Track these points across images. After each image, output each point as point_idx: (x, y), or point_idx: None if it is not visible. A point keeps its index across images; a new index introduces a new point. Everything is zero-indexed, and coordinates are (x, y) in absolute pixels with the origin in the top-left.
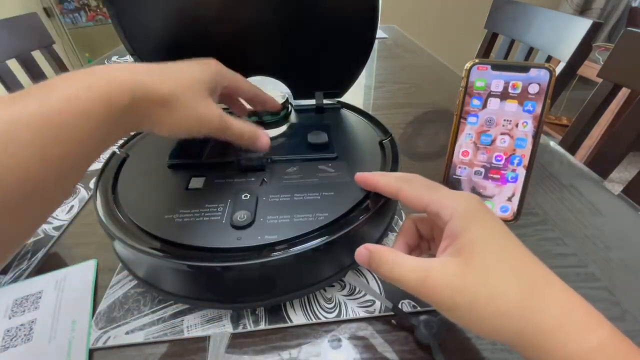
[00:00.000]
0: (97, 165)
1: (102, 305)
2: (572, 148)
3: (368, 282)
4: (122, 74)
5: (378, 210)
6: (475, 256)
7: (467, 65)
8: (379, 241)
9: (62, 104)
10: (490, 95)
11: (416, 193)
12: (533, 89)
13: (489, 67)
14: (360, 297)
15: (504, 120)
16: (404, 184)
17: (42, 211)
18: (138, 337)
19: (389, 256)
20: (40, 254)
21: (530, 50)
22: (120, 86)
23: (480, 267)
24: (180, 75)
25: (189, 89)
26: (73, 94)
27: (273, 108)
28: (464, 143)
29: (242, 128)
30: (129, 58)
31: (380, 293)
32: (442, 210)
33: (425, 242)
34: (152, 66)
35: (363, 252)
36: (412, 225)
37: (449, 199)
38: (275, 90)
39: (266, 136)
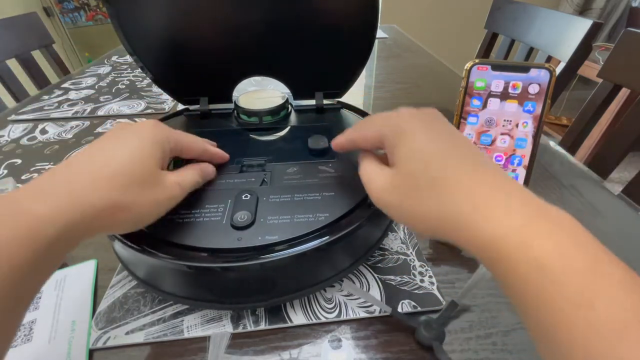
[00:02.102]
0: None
1: (102, 306)
2: (572, 148)
3: (369, 286)
4: (42, 208)
5: (378, 211)
6: (401, 164)
7: (467, 65)
8: (379, 242)
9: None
10: (490, 95)
11: (360, 136)
12: (533, 89)
13: (489, 67)
14: (361, 297)
15: (504, 120)
16: (351, 133)
17: None
18: (138, 338)
19: (367, 167)
20: None
21: (530, 50)
22: (38, 228)
23: (404, 176)
24: (113, 168)
25: (129, 185)
26: None
27: (221, 161)
28: None
29: (194, 178)
30: (129, 58)
31: (381, 295)
32: (384, 140)
33: None
34: (78, 168)
35: (340, 144)
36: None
37: (384, 126)
38: (275, 90)
39: (216, 159)
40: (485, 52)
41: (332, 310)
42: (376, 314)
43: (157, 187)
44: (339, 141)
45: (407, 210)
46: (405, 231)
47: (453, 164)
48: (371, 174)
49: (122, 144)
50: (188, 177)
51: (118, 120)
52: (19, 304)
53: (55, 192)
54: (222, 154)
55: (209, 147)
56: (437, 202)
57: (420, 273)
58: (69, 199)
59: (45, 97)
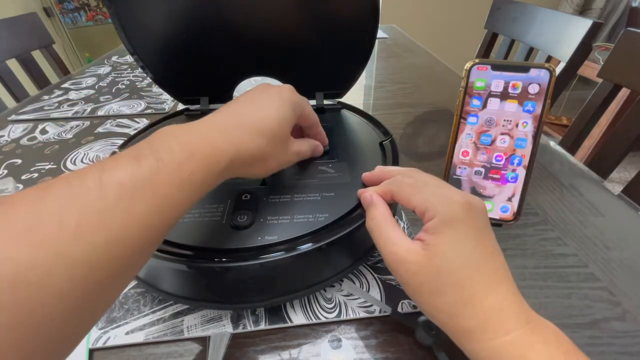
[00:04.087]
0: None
1: None
2: (572, 148)
3: (369, 286)
4: (221, 142)
5: None
6: (435, 256)
7: (467, 65)
8: None
9: (170, 174)
10: (490, 95)
11: (403, 196)
12: (533, 89)
13: (489, 67)
14: (361, 297)
15: (504, 120)
16: (392, 187)
17: (123, 284)
18: (138, 337)
19: (386, 231)
20: None
21: (530, 50)
22: (219, 156)
23: (435, 266)
24: (265, 123)
25: (273, 140)
26: (177, 163)
27: (323, 142)
28: (464, 143)
29: (308, 151)
30: (129, 58)
31: (381, 295)
32: (427, 212)
33: None
34: (241, 118)
35: (367, 199)
36: None
37: (433, 202)
38: None
39: (320, 137)
40: (485, 52)
41: (332, 310)
42: (376, 314)
43: (285, 149)
44: (374, 188)
45: (423, 294)
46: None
47: (481, 281)
48: (395, 241)
49: (270, 104)
50: (303, 147)
51: (118, 120)
52: (180, 211)
53: (230, 133)
54: (324, 137)
55: (319, 124)
56: (456, 305)
57: None
58: (237, 140)
59: (45, 97)
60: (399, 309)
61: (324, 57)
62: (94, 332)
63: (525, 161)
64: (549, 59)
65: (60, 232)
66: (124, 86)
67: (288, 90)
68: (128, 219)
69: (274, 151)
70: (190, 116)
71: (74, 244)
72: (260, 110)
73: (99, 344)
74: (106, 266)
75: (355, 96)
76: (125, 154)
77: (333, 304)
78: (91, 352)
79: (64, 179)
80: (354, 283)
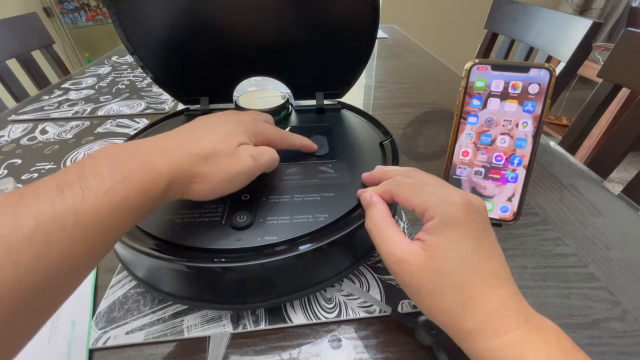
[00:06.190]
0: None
1: (102, 306)
2: (572, 148)
3: (369, 286)
4: (159, 162)
5: None
6: (435, 257)
7: (467, 65)
8: None
9: (96, 202)
10: (490, 95)
11: (403, 196)
12: (533, 89)
13: (489, 67)
14: (361, 297)
15: (504, 120)
16: (392, 187)
17: (53, 305)
18: (138, 338)
19: (385, 231)
20: None
21: (530, 50)
22: (156, 179)
23: (434, 267)
24: (206, 144)
25: (215, 160)
26: (105, 191)
27: (310, 149)
28: (464, 143)
29: (270, 154)
30: (129, 58)
31: (381, 295)
32: (427, 213)
33: None
34: (183, 140)
35: (367, 199)
36: None
37: (433, 202)
38: (275, 90)
39: (305, 140)
40: (485, 52)
41: (332, 310)
42: (376, 314)
43: (230, 157)
44: (373, 188)
45: (423, 295)
46: (406, 231)
47: (481, 282)
48: (395, 242)
49: (217, 127)
50: (264, 152)
51: (118, 120)
52: (114, 236)
53: (170, 153)
54: (311, 144)
55: (297, 139)
56: (456, 306)
57: None
58: (175, 161)
59: (45, 97)
60: (399, 309)
61: (324, 57)
62: (94, 332)
63: (525, 161)
64: (549, 59)
65: None
66: (124, 86)
67: (248, 121)
68: (44, 249)
69: (213, 168)
70: (190, 116)
71: None
72: (204, 132)
73: (99, 344)
74: (17, 297)
75: (355, 96)
76: (51, 182)
77: (333, 304)
78: (91, 352)
79: None
80: (354, 283)
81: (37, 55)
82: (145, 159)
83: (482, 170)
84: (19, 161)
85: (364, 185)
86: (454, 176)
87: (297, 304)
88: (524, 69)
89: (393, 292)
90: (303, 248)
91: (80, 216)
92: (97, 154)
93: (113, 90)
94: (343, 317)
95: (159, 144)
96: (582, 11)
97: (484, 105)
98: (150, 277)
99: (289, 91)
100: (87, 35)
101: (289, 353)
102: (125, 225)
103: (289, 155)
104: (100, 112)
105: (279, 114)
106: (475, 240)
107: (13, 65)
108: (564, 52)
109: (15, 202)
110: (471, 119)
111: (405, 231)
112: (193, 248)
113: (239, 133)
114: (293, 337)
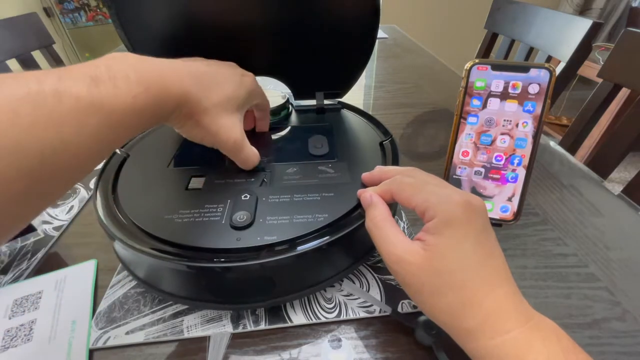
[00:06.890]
0: (97, 165)
1: (102, 305)
2: (572, 148)
3: (369, 286)
4: (175, 81)
5: None
6: (435, 257)
7: (467, 65)
8: None
9: (125, 103)
10: (490, 95)
11: (403, 196)
12: (533, 89)
13: (489, 67)
14: (361, 297)
15: (504, 120)
16: (392, 187)
17: (67, 185)
18: (138, 337)
19: (386, 231)
20: (40, 254)
21: (530, 50)
22: (171, 94)
23: (435, 267)
24: (220, 89)
25: (221, 106)
26: (133, 95)
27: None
28: (464, 143)
29: (249, 157)
30: None
31: (381, 295)
32: (427, 212)
33: None
34: (199, 72)
35: (367, 199)
36: None
37: (433, 202)
38: (275, 90)
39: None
40: (485, 52)
41: (332, 310)
42: (376, 314)
43: (226, 122)
44: (373, 188)
45: (423, 295)
46: (406, 231)
47: (481, 282)
48: (395, 241)
49: (228, 78)
50: (246, 148)
51: None
52: (121, 139)
53: (183, 79)
54: (267, 125)
55: (268, 114)
56: (456, 305)
57: None
58: (186, 87)
59: None
60: (399, 309)
61: (324, 57)
62: (94, 332)
63: (525, 161)
64: (549, 59)
65: (16, 121)
66: None
67: (250, 77)
68: (80, 127)
69: (213, 117)
70: None
71: (27, 136)
72: (217, 75)
73: (99, 344)
74: (54, 165)
75: (355, 96)
76: (82, 72)
77: (333, 304)
78: (91, 352)
79: (21, 79)
80: (354, 283)
81: (37, 56)
82: (163, 75)
83: (482, 170)
84: None
85: (364, 185)
86: (454, 176)
87: (297, 304)
88: (524, 69)
89: (393, 292)
90: (303, 248)
91: (111, 110)
92: (120, 58)
93: None
94: (343, 317)
95: (174, 66)
96: (582, 11)
97: (484, 105)
98: (151, 277)
99: (289, 91)
100: (87, 35)
101: (289, 353)
102: (132, 133)
103: (289, 155)
104: None
105: (279, 114)
106: (475, 240)
107: (13, 65)
108: (564, 52)
109: (57, 80)
110: (471, 119)
111: (405, 231)
112: (193, 248)
113: (243, 94)
114: (293, 337)
